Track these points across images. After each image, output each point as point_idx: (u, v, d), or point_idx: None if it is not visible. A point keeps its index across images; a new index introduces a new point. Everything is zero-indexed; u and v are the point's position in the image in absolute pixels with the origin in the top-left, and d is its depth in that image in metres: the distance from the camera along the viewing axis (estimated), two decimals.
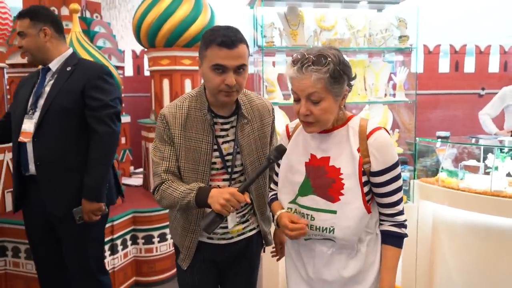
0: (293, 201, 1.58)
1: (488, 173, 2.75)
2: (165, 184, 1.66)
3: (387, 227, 1.55)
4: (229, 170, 1.72)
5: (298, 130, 1.62)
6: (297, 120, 1.65)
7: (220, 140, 1.71)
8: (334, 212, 1.48)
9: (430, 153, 3.25)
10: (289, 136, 1.66)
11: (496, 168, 2.68)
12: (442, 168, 2.94)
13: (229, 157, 1.72)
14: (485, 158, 2.85)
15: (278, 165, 1.68)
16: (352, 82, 1.48)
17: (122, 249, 3.40)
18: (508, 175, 2.72)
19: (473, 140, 3.18)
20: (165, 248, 3.58)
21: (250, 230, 1.85)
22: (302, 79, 1.38)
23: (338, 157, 1.49)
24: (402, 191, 1.56)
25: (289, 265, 1.73)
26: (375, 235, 1.56)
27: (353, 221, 1.47)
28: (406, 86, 3.46)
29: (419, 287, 2.97)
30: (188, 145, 1.67)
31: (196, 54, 3.87)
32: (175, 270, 3.60)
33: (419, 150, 3.18)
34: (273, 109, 1.87)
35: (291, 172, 1.59)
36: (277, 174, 1.72)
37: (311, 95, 1.39)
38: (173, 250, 3.57)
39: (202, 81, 1.72)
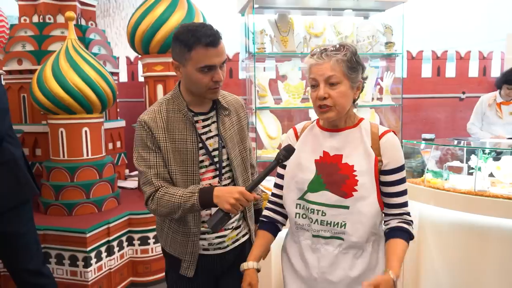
0: (302, 198, 1.59)
1: (471, 174, 2.81)
2: (160, 191, 1.62)
3: (396, 223, 1.56)
4: (217, 166, 1.71)
5: (306, 130, 1.66)
6: (305, 122, 1.71)
7: (204, 137, 1.70)
8: (347, 207, 1.51)
9: (416, 154, 3.31)
10: (297, 137, 1.68)
11: (479, 169, 2.74)
12: (428, 169, 2.99)
13: (216, 153, 1.71)
14: (468, 159, 2.93)
15: (282, 167, 1.69)
16: (364, 78, 1.56)
17: (119, 251, 3.42)
18: (491, 175, 2.78)
19: (457, 142, 3.26)
20: (160, 248, 3.59)
21: (243, 236, 1.85)
22: (322, 64, 1.45)
23: (351, 155, 1.53)
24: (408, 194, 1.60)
25: (287, 269, 1.71)
26: (379, 235, 1.59)
27: (366, 217, 1.50)
28: (390, 90, 3.59)
29: (406, 284, 2.99)
30: (174, 147, 1.65)
31: None
32: None
33: (405, 152, 3.24)
34: (245, 103, 1.88)
35: (300, 169, 1.60)
36: (279, 176, 1.73)
37: (330, 78, 1.45)
38: None
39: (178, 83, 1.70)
